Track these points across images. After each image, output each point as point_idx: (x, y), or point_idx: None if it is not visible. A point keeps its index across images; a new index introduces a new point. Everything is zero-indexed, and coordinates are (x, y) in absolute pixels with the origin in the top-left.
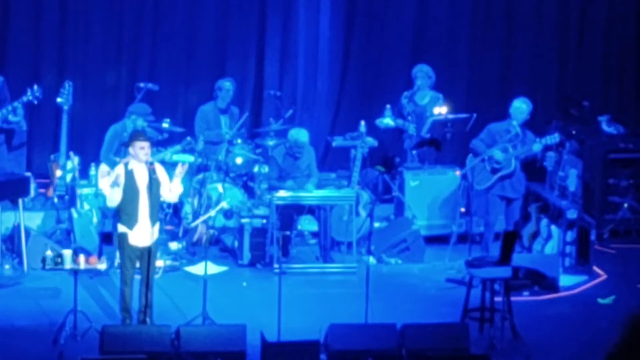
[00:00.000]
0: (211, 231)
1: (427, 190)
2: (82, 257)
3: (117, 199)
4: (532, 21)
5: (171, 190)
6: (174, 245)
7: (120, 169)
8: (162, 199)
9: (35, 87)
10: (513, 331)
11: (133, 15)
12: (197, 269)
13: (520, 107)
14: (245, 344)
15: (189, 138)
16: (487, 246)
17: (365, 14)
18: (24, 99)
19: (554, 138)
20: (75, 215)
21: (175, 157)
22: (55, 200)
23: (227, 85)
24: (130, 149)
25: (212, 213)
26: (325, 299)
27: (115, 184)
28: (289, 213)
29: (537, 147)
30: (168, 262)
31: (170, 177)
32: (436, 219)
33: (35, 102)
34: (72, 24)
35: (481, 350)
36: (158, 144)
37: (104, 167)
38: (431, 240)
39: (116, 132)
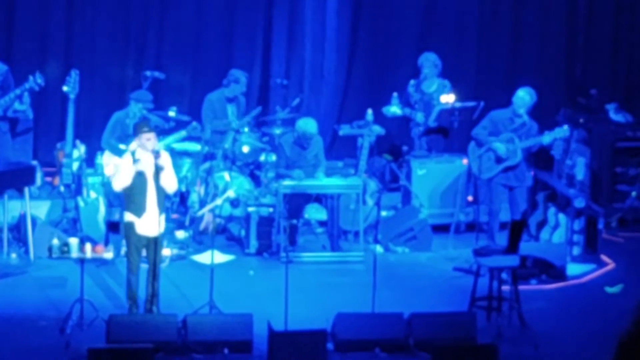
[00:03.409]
0: (218, 220)
1: (434, 179)
2: (88, 246)
3: (126, 182)
4: (539, 9)
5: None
6: (180, 234)
7: (128, 158)
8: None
9: (37, 73)
10: (521, 320)
11: (140, 3)
12: (204, 257)
13: (524, 97)
14: (252, 333)
15: (194, 123)
16: (493, 235)
17: (372, 2)
18: (26, 85)
19: (563, 131)
20: (81, 204)
21: (180, 146)
22: (62, 189)
23: (243, 79)
24: (137, 140)
25: (218, 202)
26: (332, 288)
27: (135, 162)
28: (298, 202)
29: (546, 139)
30: (175, 251)
31: (174, 166)
32: (443, 207)
33: (37, 88)
34: (79, 12)
35: (489, 339)
36: (164, 132)
37: (108, 157)
38: (438, 228)
39: (119, 119)
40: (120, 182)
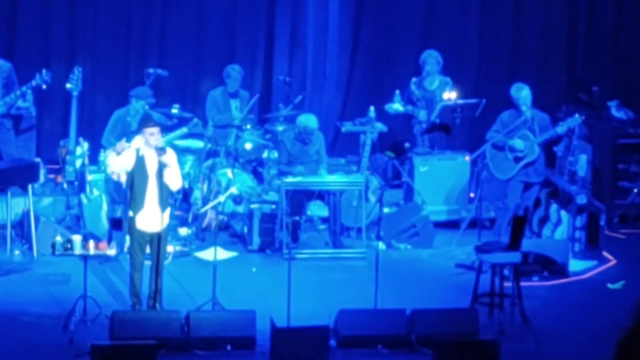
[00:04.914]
0: (221, 217)
1: (436, 176)
2: (91, 243)
3: (115, 166)
4: (541, 6)
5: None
6: (183, 231)
7: (131, 152)
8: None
9: (44, 71)
10: (522, 316)
11: (142, 0)
12: (207, 254)
13: (522, 93)
14: (254, 329)
15: (195, 120)
16: (500, 231)
17: (374, 0)
18: (33, 83)
19: (575, 120)
20: (84, 201)
21: (183, 143)
22: (65, 186)
23: (233, 73)
24: (141, 136)
25: (221, 199)
26: (335, 285)
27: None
28: (299, 198)
29: (561, 129)
30: (178, 248)
31: (179, 163)
32: (446, 204)
33: (44, 86)
34: (82, 9)
35: (490, 335)
36: (167, 130)
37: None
38: (441, 225)
39: (119, 116)
40: (113, 164)
